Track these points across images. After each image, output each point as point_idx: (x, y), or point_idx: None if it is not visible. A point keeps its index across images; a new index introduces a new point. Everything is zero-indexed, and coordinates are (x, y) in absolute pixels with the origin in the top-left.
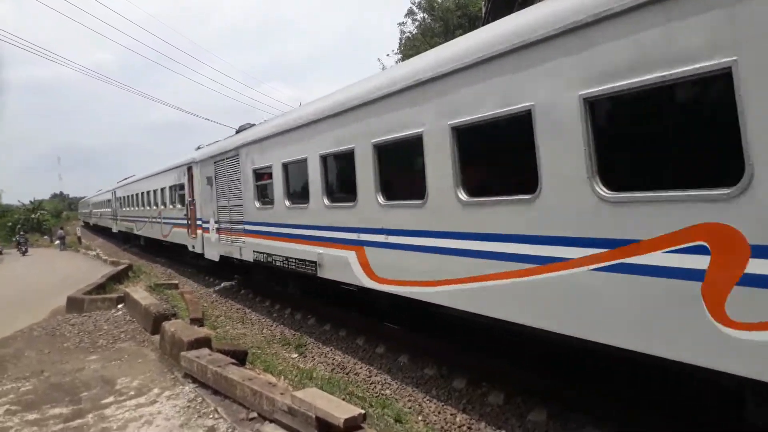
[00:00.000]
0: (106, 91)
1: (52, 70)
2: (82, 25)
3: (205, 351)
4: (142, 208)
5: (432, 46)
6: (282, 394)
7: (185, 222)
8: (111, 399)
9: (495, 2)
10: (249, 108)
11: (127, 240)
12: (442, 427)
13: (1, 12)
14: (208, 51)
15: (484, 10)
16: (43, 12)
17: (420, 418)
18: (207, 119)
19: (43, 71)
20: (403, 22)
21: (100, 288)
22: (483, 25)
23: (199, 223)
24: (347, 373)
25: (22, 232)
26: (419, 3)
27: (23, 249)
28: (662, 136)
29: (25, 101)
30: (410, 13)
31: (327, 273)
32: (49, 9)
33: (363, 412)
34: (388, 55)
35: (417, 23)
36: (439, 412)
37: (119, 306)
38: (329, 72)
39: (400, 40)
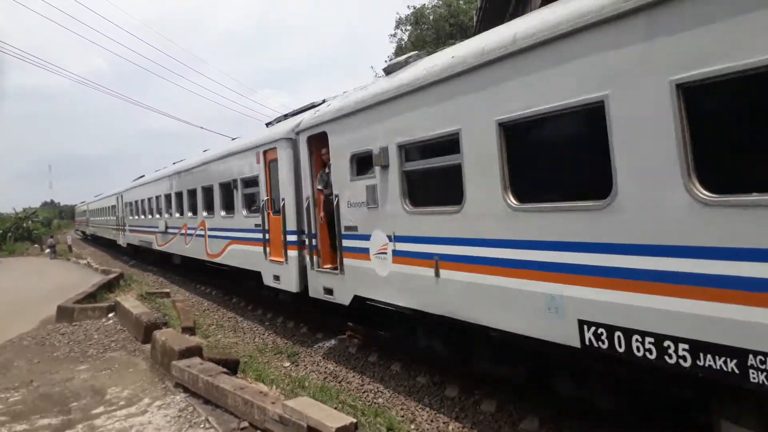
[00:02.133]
0: (100, 99)
1: (45, 77)
2: (76, 34)
3: (197, 360)
4: None
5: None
6: (273, 403)
7: None
8: (101, 409)
9: (486, 13)
10: (243, 117)
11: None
12: None
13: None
14: (203, 60)
15: (475, 19)
16: (35, 19)
17: (413, 426)
18: (202, 128)
19: (35, 78)
20: (393, 34)
21: (91, 297)
22: (475, 35)
23: None
24: (340, 382)
25: None
26: (406, 17)
27: None
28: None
29: (16, 108)
30: (399, 24)
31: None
32: (43, 17)
33: (354, 421)
34: (385, 60)
35: (408, 32)
36: (431, 421)
37: (110, 315)
38: (326, 79)
39: (397, 48)
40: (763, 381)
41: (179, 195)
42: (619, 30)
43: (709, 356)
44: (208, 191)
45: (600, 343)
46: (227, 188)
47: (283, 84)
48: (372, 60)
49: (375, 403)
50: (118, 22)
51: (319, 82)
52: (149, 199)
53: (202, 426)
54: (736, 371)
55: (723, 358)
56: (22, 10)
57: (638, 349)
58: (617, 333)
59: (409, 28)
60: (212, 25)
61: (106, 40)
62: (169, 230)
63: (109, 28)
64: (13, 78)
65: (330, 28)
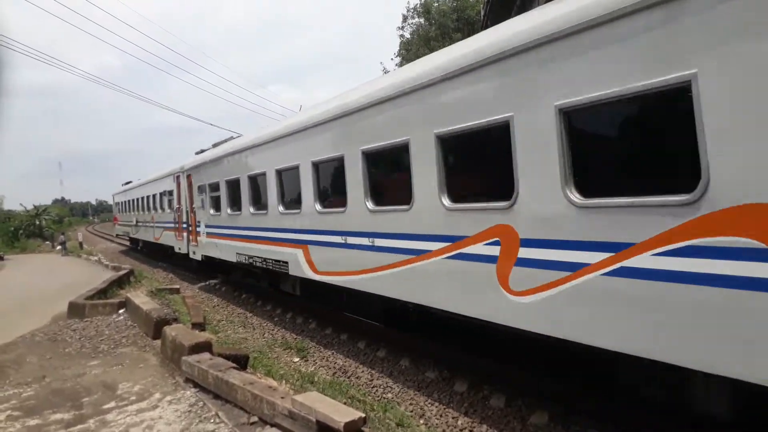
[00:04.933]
0: (110, 95)
1: (55, 74)
2: (84, 32)
3: (206, 355)
4: None
5: (431, 50)
6: (283, 398)
7: None
8: (112, 404)
9: (493, 7)
10: (251, 113)
11: None
12: (444, 431)
13: (2, 15)
14: (212, 55)
15: (483, 13)
16: (45, 16)
17: (422, 421)
18: (211, 124)
19: (46, 75)
20: (401, 26)
21: (102, 293)
22: (483, 29)
23: None
24: (349, 377)
25: None
26: (415, 8)
27: None
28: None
29: (27, 106)
30: (406, 18)
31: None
32: (52, 15)
33: (363, 415)
34: (391, 59)
35: (413, 28)
36: (440, 416)
37: (120, 311)
38: (334, 74)
39: (400, 44)
40: None
41: None
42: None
43: None
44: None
45: None
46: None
47: (291, 79)
48: (379, 55)
49: (384, 398)
50: (128, 19)
51: (326, 77)
52: None
53: (212, 421)
54: None
55: None
56: (31, 7)
57: None
58: None
59: (416, 20)
60: (219, 21)
61: (116, 37)
62: None
63: (119, 25)
64: (23, 75)
65: (337, 23)
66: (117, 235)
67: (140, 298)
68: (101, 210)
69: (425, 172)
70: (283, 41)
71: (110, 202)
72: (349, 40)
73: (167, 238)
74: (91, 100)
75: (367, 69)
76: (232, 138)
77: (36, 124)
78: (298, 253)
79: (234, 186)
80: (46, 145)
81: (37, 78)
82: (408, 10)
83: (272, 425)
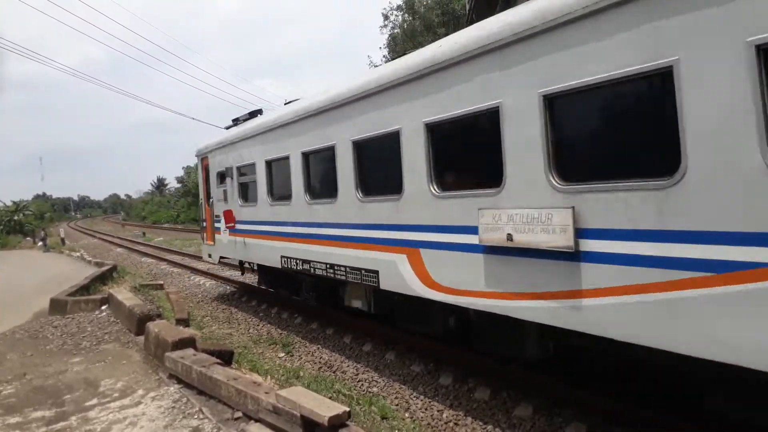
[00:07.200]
0: (93, 89)
1: (35, 67)
2: (68, 26)
3: (190, 351)
4: None
5: (416, 45)
6: (267, 393)
7: None
8: (95, 401)
9: (478, 1)
10: (239, 108)
11: None
12: (429, 423)
13: None
14: (199, 49)
15: (468, 7)
16: (27, 9)
17: (407, 414)
18: (194, 119)
19: (25, 67)
20: (384, 25)
21: (84, 289)
22: (467, 24)
23: None
24: (334, 372)
25: None
26: (399, 6)
27: None
28: None
29: (5, 99)
30: (387, 17)
31: None
32: (35, 9)
33: (347, 409)
34: (384, 56)
35: (397, 23)
36: (426, 409)
37: (103, 307)
38: (324, 67)
39: (389, 40)
40: None
41: None
42: None
43: None
44: None
45: None
46: None
47: (280, 73)
48: (368, 50)
49: (369, 392)
50: (114, 13)
51: (316, 72)
52: None
53: (195, 416)
54: None
55: None
56: (14, 1)
57: None
58: None
59: (400, 15)
60: (210, 14)
61: (102, 31)
62: None
63: (105, 19)
64: (3, 68)
65: (327, 17)
66: (220, 259)
67: (123, 294)
68: (83, 206)
69: None
70: (273, 35)
71: (93, 197)
72: (340, 34)
73: None
74: (74, 93)
75: (360, 61)
76: None
77: (15, 117)
78: None
79: None
80: (27, 139)
81: (16, 70)
82: (390, 10)
83: (256, 420)
